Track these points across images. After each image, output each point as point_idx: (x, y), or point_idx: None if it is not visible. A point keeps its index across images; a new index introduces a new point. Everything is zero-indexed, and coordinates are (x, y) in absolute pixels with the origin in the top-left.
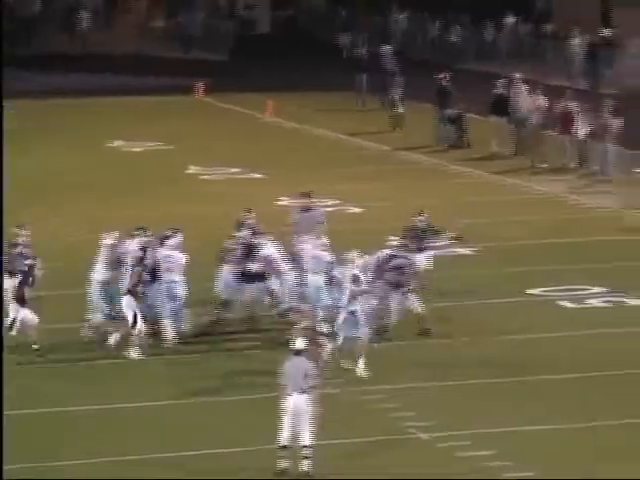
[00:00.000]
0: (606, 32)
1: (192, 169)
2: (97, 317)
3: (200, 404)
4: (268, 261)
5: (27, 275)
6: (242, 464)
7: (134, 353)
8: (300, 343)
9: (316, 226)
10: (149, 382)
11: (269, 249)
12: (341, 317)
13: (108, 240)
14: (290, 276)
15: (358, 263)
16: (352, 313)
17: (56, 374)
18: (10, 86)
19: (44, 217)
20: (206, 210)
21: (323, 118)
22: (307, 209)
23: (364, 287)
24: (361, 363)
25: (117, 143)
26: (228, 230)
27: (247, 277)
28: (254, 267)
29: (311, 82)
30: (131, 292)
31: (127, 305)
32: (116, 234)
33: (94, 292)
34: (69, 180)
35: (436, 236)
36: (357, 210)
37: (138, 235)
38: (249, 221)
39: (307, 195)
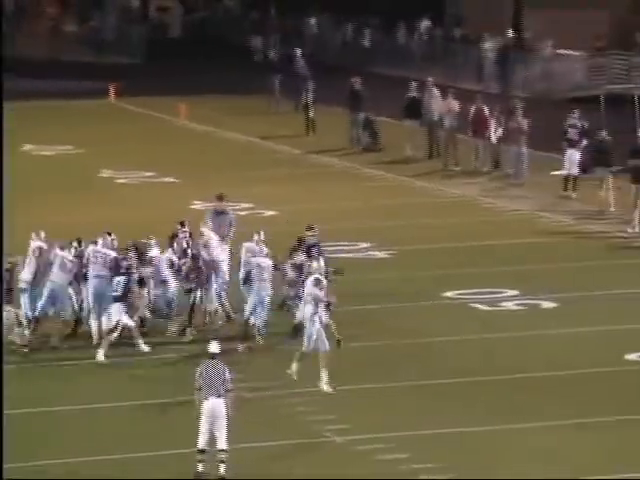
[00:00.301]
0: (515, 35)
1: (105, 173)
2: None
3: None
4: (154, 266)
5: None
6: (163, 467)
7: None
8: (215, 347)
9: (228, 230)
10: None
11: (155, 252)
12: (313, 328)
13: (37, 242)
14: (173, 283)
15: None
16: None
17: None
18: None
19: None
20: (124, 214)
21: (235, 121)
22: (220, 212)
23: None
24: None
25: (28, 147)
26: (144, 234)
27: (140, 282)
28: (146, 272)
29: (224, 85)
30: (122, 299)
31: (117, 311)
32: (42, 236)
33: (20, 292)
34: None
35: (322, 256)
36: (270, 213)
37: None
38: (181, 235)
39: (220, 198)
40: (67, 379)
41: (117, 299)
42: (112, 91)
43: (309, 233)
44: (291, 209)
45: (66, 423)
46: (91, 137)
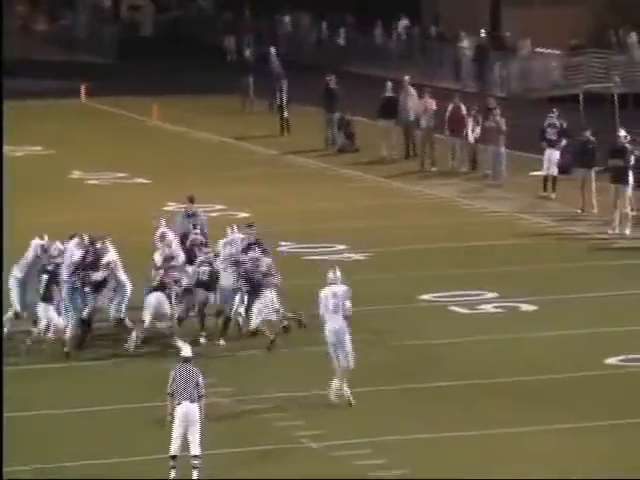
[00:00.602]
0: (492, 33)
1: (76, 174)
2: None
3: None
4: (110, 269)
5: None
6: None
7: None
8: (188, 350)
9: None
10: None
11: (112, 256)
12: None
13: (38, 241)
14: (128, 286)
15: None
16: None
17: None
18: None
19: None
20: (95, 216)
21: (209, 121)
22: (191, 215)
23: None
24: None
25: None
26: (117, 236)
27: (93, 286)
28: (97, 275)
29: (197, 85)
30: (46, 299)
31: (42, 312)
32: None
33: (11, 288)
34: None
35: (263, 254)
36: (243, 215)
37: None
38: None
39: (191, 200)
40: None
41: (42, 299)
42: (83, 91)
43: (249, 231)
44: (265, 210)
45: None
46: (62, 137)
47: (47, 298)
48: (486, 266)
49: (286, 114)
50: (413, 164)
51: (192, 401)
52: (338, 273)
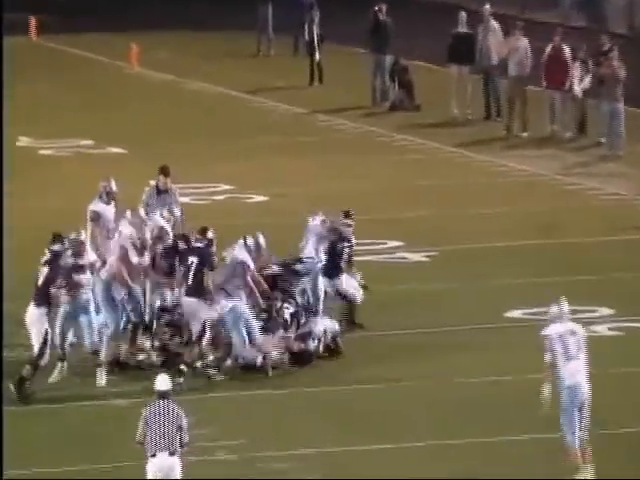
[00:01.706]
0: None
1: (24, 141)
2: None
3: None
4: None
5: None
6: None
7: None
8: (165, 381)
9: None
10: None
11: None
12: None
13: None
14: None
15: None
16: None
17: None
18: None
19: None
20: (50, 200)
21: (209, 68)
22: (162, 191)
23: None
24: None
25: None
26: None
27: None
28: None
29: (192, 18)
30: None
31: None
32: None
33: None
34: None
35: (349, 248)
36: (258, 199)
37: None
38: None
39: (164, 171)
40: None
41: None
42: (34, 26)
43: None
44: (287, 192)
45: None
46: (3, 90)
47: None
48: (597, 272)
49: (318, 57)
50: (496, 127)
51: (171, 453)
52: (566, 307)
